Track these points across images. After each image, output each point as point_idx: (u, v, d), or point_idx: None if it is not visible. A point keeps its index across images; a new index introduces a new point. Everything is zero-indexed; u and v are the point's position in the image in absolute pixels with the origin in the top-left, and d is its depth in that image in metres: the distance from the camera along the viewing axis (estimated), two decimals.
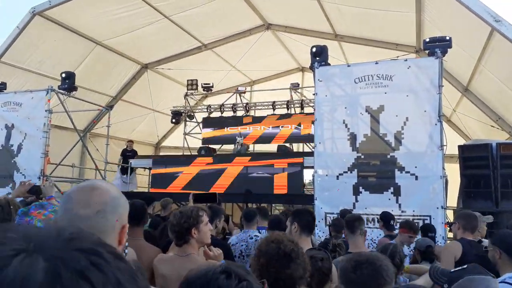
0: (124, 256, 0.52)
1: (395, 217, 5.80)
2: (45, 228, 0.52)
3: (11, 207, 2.36)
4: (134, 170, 12.20)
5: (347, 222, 3.55)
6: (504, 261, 2.51)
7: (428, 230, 4.80)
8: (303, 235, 3.07)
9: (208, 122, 13.60)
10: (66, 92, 9.85)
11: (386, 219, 5.00)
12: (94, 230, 1.06)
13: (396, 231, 5.08)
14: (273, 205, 9.42)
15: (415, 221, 6.35)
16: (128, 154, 12.30)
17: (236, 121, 13.20)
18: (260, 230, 4.39)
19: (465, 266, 1.73)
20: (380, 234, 5.50)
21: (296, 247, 1.91)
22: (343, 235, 4.94)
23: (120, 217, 1.14)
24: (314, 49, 7.96)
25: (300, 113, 12.78)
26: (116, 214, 1.13)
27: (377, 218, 5.65)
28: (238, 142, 11.40)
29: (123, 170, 12.23)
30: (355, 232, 3.42)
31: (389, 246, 2.90)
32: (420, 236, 4.47)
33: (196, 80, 13.68)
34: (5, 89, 10.01)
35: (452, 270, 1.85)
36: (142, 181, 13.27)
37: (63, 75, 9.88)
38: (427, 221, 6.21)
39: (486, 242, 3.74)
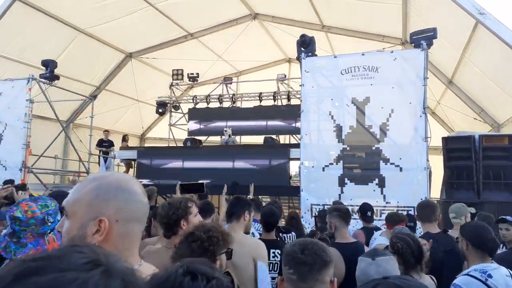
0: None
1: (380, 208, 5.86)
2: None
3: None
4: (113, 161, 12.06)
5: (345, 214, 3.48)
6: (471, 252, 2.54)
7: (409, 220, 4.81)
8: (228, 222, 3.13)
9: (193, 114, 13.46)
10: (48, 81, 9.64)
11: (362, 211, 4.96)
12: (147, 216, 1.15)
13: (375, 223, 5.14)
14: (259, 196, 9.42)
15: (399, 211, 6.44)
16: (105, 144, 12.12)
17: (223, 113, 13.09)
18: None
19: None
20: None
21: (199, 230, 1.99)
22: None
23: None
24: (301, 40, 7.92)
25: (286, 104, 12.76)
26: None
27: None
28: (226, 132, 11.32)
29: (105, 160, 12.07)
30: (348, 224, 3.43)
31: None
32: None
33: (182, 70, 13.51)
34: None
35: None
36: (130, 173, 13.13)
37: (43, 62, 9.64)
38: (411, 212, 6.29)
39: (452, 232, 3.78)
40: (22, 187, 5.39)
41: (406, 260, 2.43)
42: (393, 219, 4.14)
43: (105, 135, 12.37)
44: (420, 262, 2.47)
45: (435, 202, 3.70)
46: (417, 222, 4.67)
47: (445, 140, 7.54)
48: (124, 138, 13.19)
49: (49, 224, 2.03)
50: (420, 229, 5.68)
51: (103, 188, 1.08)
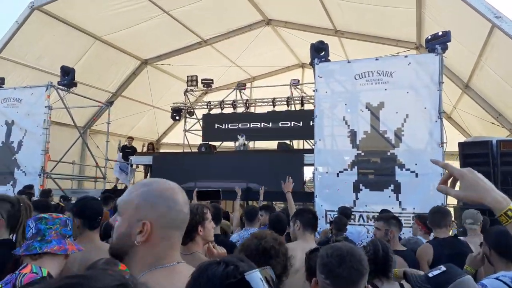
0: None
1: (396, 215, 5.78)
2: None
3: (21, 204, 2.43)
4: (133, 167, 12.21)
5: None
6: (494, 258, 2.54)
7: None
8: (306, 233, 3.11)
9: (208, 119, 13.53)
10: (65, 88, 9.83)
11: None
12: (186, 224, 1.25)
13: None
14: (273, 202, 9.41)
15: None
16: (128, 150, 12.29)
17: (236, 118, 13.14)
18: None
19: (443, 269, 1.73)
20: None
21: (277, 245, 1.94)
22: (345, 233, 4.97)
23: None
24: (314, 45, 7.94)
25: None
26: None
27: (377, 215, 5.65)
28: (240, 143, 11.45)
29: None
30: None
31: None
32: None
33: (196, 76, 13.62)
34: (3, 84, 9.99)
35: (430, 275, 1.85)
36: (139, 178, 13.27)
37: (64, 70, 9.85)
38: None
39: (475, 238, 3.77)
40: (48, 193, 5.53)
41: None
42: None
43: (128, 142, 12.55)
44: (383, 271, 2.51)
45: (448, 209, 3.71)
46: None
47: (462, 145, 7.44)
48: (148, 147, 13.42)
49: (69, 228, 2.11)
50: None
51: (150, 194, 1.19)
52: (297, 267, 2.84)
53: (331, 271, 1.55)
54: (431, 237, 4.44)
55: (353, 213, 6.46)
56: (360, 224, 5.77)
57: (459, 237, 3.85)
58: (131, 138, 12.73)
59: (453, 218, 6.96)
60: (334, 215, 6.32)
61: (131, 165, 11.50)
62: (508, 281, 2.24)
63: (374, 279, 2.48)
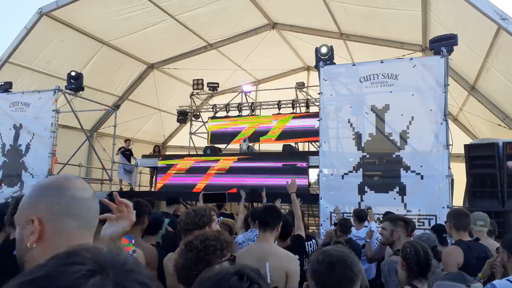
0: None
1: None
2: (110, 253, 0.61)
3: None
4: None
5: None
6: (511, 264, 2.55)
7: (443, 230, 4.71)
8: (260, 232, 3.06)
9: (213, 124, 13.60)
10: (73, 92, 9.94)
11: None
12: (93, 211, 1.11)
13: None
14: (280, 204, 9.42)
15: (420, 220, 6.35)
16: (127, 153, 12.36)
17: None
18: None
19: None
20: None
21: (196, 239, 1.98)
22: (349, 235, 4.96)
23: None
24: (319, 48, 7.96)
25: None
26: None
27: (382, 217, 5.64)
28: (244, 149, 11.51)
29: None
30: None
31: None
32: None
33: (202, 79, 13.71)
34: (11, 89, 10.12)
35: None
36: (144, 180, 13.35)
37: (72, 74, 9.97)
38: (432, 221, 6.20)
39: (488, 240, 3.73)
40: None
41: (409, 267, 2.48)
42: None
43: (127, 144, 12.64)
44: (424, 272, 2.52)
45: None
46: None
47: (468, 147, 7.41)
48: (155, 150, 13.51)
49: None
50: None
51: (35, 190, 1.08)
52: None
53: (321, 278, 1.52)
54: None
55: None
56: (365, 226, 5.76)
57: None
58: (129, 140, 12.79)
59: None
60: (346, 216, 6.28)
61: (137, 166, 11.58)
62: None
63: (414, 280, 2.50)
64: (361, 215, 5.67)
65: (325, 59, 7.81)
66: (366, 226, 5.66)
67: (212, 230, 2.54)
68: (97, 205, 1.15)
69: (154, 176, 11.72)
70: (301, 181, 8.87)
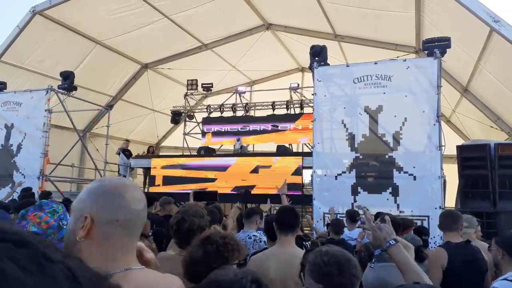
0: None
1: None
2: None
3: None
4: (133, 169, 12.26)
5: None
6: (506, 261, 2.58)
7: (423, 233, 4.74)
8: (281, 235, 2.86)
9: (207, 122, 13.57)
10: (65, 92, 9.88)
11: None
12: (142, 222, 1.19)
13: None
14: (272, 205, 9.42)
15: (414, 221, 6.37)
16: (126, 153, 12.34)
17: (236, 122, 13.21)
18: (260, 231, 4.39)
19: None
20: None
21: (216, 235, 1.97)
22: (341, 235, 4.97)
23: None
24: (313, 49, 7.98)
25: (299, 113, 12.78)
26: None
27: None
28: (237, 147, 11.52)
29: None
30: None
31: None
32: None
33: (196, 80, 13.68)
34: (5, 89, 10.03)
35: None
36: (139, 182, 13.28)
37: (63, 74, 9.90)
38: (425, 222, 6.23)
39: (477, 242, 3.72)
40: (47, 194, 5.52)
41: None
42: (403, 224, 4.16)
43: (126, 144, 12.60)
44: None
45: (459, 212, 3.61)
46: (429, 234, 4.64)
47: (460, 148, 7.46)
48: (149, 150, 13.47)
49: (64, 227, 1.96)
50: (432, 242, 5.63)
51: (97, 189, 1.15)
52: (271, 277, 2.65)
53: (332, 280, 1.51)
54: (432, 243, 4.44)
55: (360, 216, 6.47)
56: (358, 227, 5.77)
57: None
58: (128, 141, 12.78)
59: None
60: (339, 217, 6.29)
61: (131, 167, 11.55)
62: None
63: None
64: (354, 216, 5.68)
65: (319, 60, 7.83)
66: (358, 227, 5.66)
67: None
68: (146, 215, 1.23)
69: (148, 177, 11.68)
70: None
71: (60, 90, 9.80)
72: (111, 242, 1.10)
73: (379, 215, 4.54)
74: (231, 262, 1.92)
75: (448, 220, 3.46)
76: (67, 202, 2.96)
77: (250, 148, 13.58)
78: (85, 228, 1.07)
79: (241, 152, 11.28)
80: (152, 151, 13.69)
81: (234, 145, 11.93)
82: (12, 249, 0.41)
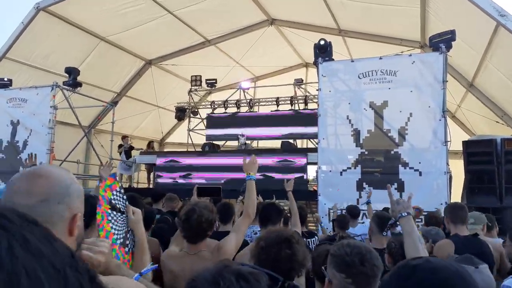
0: (39, 221, 0.53)
1: None
2: None
3: None
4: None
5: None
6: None
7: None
8: (262, 229, 3.02)
9: (211, 121, 13.53)
10: (70, 88, 9.90)
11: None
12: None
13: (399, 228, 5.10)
14: (278, 201, 9.42)
15: (419, 217, 6.35)
16: (126, 149, 12.37)
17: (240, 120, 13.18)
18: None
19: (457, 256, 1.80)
20: None
21: (297, 234, 2.00)
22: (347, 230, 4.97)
23: (69, 206, 1.06)
24: (318, 45, 7.94)
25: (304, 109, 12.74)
26: (63, 203, 1.04)
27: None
28: (241, 141, 11.51)
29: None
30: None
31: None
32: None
33: (200, 76, 13.67)
34: (11, 85, 10.07)
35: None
36: (143, 177, 13.33)
37: (68, 70, 9.92)
38: None
39: (483, 237, 3.70)
40: None
41: (396, 262, 2.47)
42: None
43: (126, 141, 12.63)
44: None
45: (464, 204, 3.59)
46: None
47: (466, 144, 7.42)
48: (149, 145, 13.49)
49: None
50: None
51: (75, 184, 1.12)
52: None
53: (354, 269, 1.56)
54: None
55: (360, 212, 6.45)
56: (362, 222, 5.77)
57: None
58: (127, 137, 12.79)
59: None
60: (337, 213, 6.32)
61: (135, 163, 11.60)
62: None
63: None
64: (354, 212, 5.65)
65: (323, 55, 7.80)
66: (362, 223, 5.65)
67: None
68: (44, 211, 1.06)
69: (152, 173, 11.72)
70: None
71: (65, 87, 9.83)
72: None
73: (386, 210, 4.52)
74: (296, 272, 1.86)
75: (463, 212, 3.43)
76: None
77: (254, 145, 13.60)
78: (74, 225, 1.07)
79: (245, 149, 11.27)
80: (152, 146, 13.69)
81: (238, 142, 11.91)
82: (29, 225, 0.50)
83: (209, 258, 2.37)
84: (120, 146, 12.36)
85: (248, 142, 12.25)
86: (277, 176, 9.18)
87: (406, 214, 2.10)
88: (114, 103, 11.78)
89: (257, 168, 2.88)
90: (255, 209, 2.82)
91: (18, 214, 0.51)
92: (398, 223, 2.18)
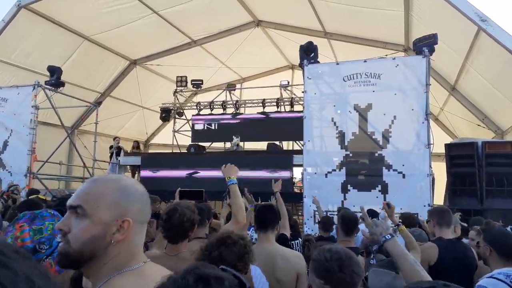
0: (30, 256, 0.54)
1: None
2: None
3: None
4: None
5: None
6: (493, 258, 2.55)
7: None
8: (260, 232, 2.91)
9: (197, 122, 13.46)
10: (53, 88, 9.72)
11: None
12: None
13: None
14: (263, 203, 9.42)
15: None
16: (116, 150, 12.23)
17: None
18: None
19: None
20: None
21: (235, 236, 2.01)
22: (331, 233, 4.97)
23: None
24: (303, 47, 7.98)
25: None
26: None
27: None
28: (234, 143, 11.48)
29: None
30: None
31: None
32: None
33: (186, 76, 13.59)
34: None
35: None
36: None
37: (50, 69, 9.74)
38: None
39: (466, 240, 3.75)
40: (34, 192, 5.40)
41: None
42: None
43: (117, 141, 12.49)
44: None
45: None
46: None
47: (448, 146, 7.54)
48: (133, 145, 13.33)
49: (43, 251, 1.80)
50: None
51: (127, 190, 1.13)
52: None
53: (333, 276, 1.54)
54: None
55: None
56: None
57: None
58: (117, 138, 12.66)
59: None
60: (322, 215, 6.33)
61: (118, 164, 11.45)
62: (503, 277, 2.27)
63: None
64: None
65: (309, 57, 7.83)
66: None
67: (195, 232, 2.49)
68: None
69: (137, 174, 11.59)
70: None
71: (47, 86, 9.65)
72: (138, 238, 1.14)
73: (370, 213, 4.57)
74: (249, 262, 1.92)
75: (449, 215, 3.44)
76: (61, 203, 2.75)
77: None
78: (124, 232, 1.08)
79: (235, 151, 11.25)
80: (137, 147, 13.53)
81: (231, 143, 11.84)
82: (25, 261, 0.51)
83: (189, 259, 2.33)
84: (111, 147, 12.22)
85: (240, 144, 12.22)
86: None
87: (390, 237, 1.97)
88: (97, 103, 11.62)
89: (237, 172, 2.89)
90: (244, 214, 2.79)
91: (15, 250, 0.51)
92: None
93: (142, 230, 1.16)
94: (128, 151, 12.63)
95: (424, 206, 6.39)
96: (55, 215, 1.93)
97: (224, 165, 3.00)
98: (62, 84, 9.89)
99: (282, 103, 12.81)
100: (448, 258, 3.10)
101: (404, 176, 6.75)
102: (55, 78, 9.68)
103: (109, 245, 1.06)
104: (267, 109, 12.87)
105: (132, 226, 1.09)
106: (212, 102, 13.48)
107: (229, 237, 1.96)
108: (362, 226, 4.60)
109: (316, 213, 6.87)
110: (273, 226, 2.91)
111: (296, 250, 3.93)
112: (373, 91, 7.22)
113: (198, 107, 13.73)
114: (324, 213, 6.53)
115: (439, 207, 3.87)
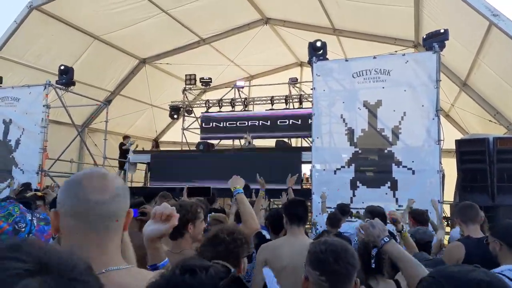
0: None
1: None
2: (60, 255, 0.56)
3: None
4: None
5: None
6: (504, 253, 2.44)
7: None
8: (293, 226, 2.99)
9: (206, 119, 13.50)
10: (64, 87, 9.84)
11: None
12: (110, 214, 1.08)
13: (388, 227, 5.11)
14: (271, 200, 9.43)
15: None
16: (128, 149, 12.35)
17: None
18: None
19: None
20: None
21: (223, 233, 2.04)
22: (338, 229, 4.97)
23: (128, 202, 1.16)
24: (312, 44, 7.96)
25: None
26: (127, 199, 1.15)
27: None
28: (246, 138, 11.48)
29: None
30: None
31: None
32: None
33: (195, 75, 13.65)
34: (1, 83, 10.00)
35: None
36: (139, 176, 13.28)
37: (61, 68, 9.87)
38: None
39: None
40: (28, 186, 5.46)
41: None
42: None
43: (126, 141, 12.61)
44: (378, 269, 2.40)
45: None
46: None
47: (459, 142, 7.44)
48: (153, 145, 13.47)
49: (23, 230, 1.88)
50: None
51: (64, 184, 1.13)
52: (284, 264, 2.75)
53: (328, 267, 1.55)
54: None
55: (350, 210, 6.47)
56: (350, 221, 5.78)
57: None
58: (128, 137, 12.77)
59: (448, 215, 6.99)
60: (330, 211, 6.33)
61: (129, 162, 11.56)
62: (510, 274, 2.17)
63: (370, 279, 2.39)
64: (344, 209, 5.65)
65: (318, 54, 7.81)
66: (351, 221, 5.65)
67: (197, 227, 2.49)
68: (116, 206, 1.10)
69: (149, 173, 11.68)
70: None
71: (58, 86, 9.77)
72: (77, 237, 1.03)
73: (369, 209, 4.47)
74: (242, 256, 1.96)
75: (471, 211, 3.23)
76: (26, 200, 2.78)
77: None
78: (52, 225, 1.07)
79: (247, 147, 11.28)
80: (156, 145, 13.72)
81: (244, 140, 11.85)
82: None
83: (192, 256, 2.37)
84: (121, 145, 12.34)
85: (251, 141, 12.23)
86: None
87: (388, 239, 1.92)
88: (107, 102, 11.74)
89: (243, 183, 2.93)
90: (255, 219, 2.77)
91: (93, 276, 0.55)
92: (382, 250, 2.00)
93: (80, 226, 1.05)
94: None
95: None
96: (12, 202, 1.96)
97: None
98: (73, 83, 10.01)
99: (290, 100, 12.79)
100: (476, 257, 2.83)
101: (413, 172, 6.71)
102: (66, 78, 9.80)
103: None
104: (275, 107, 12.86)
105: (60, 219, 1.06)
106: (221, 100, 13.51)
107: (215, 236, 2.00)
108: (357, 223, 4.56)
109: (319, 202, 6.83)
110: (305, 220, 3.07)
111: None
112: (383, 88, 7.18)
113: (207, 105, 13.77)
114: (333, 209, 6.51)
115: (462, 204, 3.55)
